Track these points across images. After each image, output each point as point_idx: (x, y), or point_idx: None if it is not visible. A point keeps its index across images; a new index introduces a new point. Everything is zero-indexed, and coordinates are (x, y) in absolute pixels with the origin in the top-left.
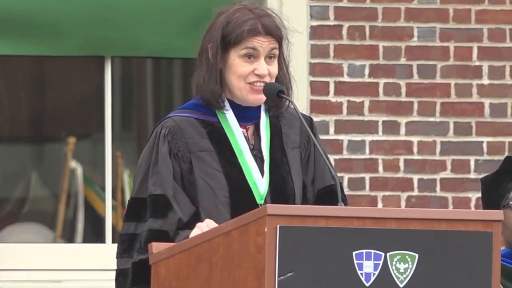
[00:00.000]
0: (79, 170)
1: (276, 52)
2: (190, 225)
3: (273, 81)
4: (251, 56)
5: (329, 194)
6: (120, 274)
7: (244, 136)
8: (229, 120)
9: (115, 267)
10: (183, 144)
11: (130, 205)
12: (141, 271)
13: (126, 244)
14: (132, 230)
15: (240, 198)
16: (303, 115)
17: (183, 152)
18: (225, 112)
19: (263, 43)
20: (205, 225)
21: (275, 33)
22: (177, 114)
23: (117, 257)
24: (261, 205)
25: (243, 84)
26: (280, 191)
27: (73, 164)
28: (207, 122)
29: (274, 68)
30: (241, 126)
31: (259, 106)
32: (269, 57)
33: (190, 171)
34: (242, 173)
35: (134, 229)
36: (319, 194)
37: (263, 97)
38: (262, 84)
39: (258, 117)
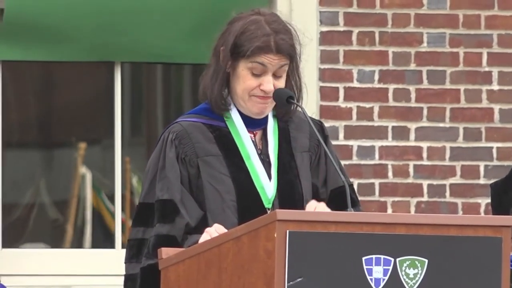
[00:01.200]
0: (88, 176)
1: (285, 68)
2: (198, 230)
3: None
4: (259, 71)
5: (342, 195)
6: (129, 279)
7: (252, 140)
8: (237, 124)
9: (124, 272)
10: (190, 149)
11: (138, 210)
12: (149, 276)
13: (135, 250)
14: (140, 235)
15: (248, 202)
16: (313, 119)
17: (191, 156)
18: (232, 116)
19: (272, 61)
20: (214, 230)
21: (287, 52)
22: (184, 119)
23: (125, 262)
24: (269, 209)
25: (247, 96)
26: (288, 195)
27: (83, 169)
28: (214, 126)
29: (280, 84)
30: (249, 131)
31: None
32: (276, 74)
33: (198, 176)
34: (250, 177)
35: (142, 234)
36: (332, 194)
37: (265, 111)
38: (266, 100)
39: (266, 122)
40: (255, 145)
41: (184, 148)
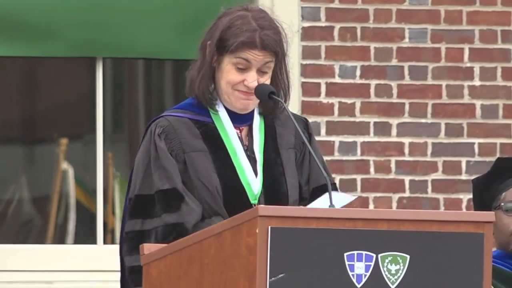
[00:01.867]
0: (71, 172)
1: (270, 65)
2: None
3: None
4: (243, 66)
5: (323, 193)
6: (133, 272)
7: (238, 136)
8: (223, 120)
9: (125, 265)
10: (177, 144)
11: (133, 203)
12: None
13: (134, 242)
14: (138, 227)
15: (234, 198)
16: (299, 117)
17: (177, 152)
18: (218, 112)
19: (257, 57)
20: None
21: (272, 48)
22: (171, 113)
23: (125, 255)
24: (254, 205)
25: (231, 90)
26: (273, 191)
27: (65, 165)
28: (201, 122)
29: (265, 81)
30: (235, 127)
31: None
32: (261, 70)
33: (184, 171)
34: (236, 173)
35: (141, 226)
36: (314, 192)
37: (248, 107)
38: (249, 96)
39: (252, 118)
40: (241, 141)
41: (171, 143)
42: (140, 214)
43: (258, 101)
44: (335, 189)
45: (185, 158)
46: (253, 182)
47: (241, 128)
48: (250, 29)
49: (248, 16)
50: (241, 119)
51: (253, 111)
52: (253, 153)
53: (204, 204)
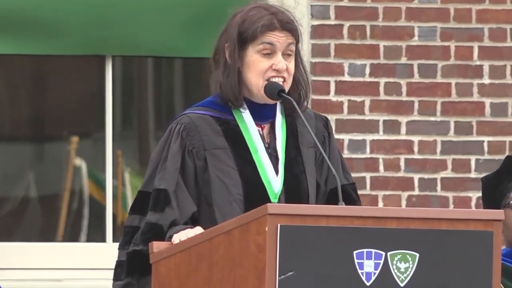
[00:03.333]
0: (84, 166)
1: (293, 48)
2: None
3: (291, 78)
4: (269, 51)
5: (342, 194)
6: (119, 265)
7: (260, 134)
8: (245, 118)
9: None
10: (198, 141)
11: (136, 199)
12: (135, 262)
13: (129, 237)
14: (136, 223)
15: (254, 196)
16: (319, 115)
17: (198, 149)
18: (241, 110)
19: (280, 38)
20: (185, 235)
21: (292, 27)
22: (192, 111)
23: (118, 249)
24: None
25: (262, 81)
26: (294, 190)
27: (77, 161)
28: (222, 119)
29: (291, 65)
30: (256, 125)
31: (275, 105)
32: (286, 53)
33: (205, 169)
34: (257, 171)
35: (138, 222)
36: (331, 193)
37: (285, 85)
38: (281, 79)
39: (274, 116)
40: (263, 139)
41: (192, 140)
42: (140, 210)
43: (287, 89)
44: (353, 189)
45: (205, 155)
46: (273, 181)
47: (263, 125)
48: (266, 14)
49: (259, 7)
50: (263, 117)
51: (275, 107)
52: (275, 151)
53: (220, 202)
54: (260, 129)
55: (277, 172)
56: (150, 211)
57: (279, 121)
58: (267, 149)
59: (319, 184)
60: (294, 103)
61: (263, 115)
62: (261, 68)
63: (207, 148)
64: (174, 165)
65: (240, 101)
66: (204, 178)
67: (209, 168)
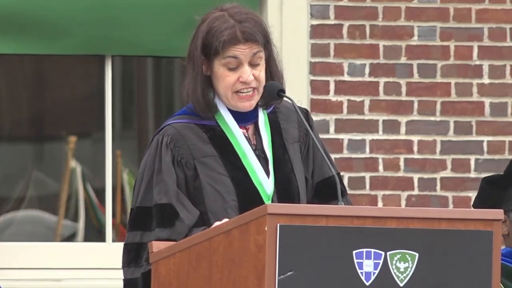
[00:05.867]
0: (83, 166)
1: (260, 55)
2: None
3: (262, 86)
4: (234, 65)
5: (327, 187)
6: (129, 284)
7: (245, 136)
8: (228, 122)
9: (122, 277)
10: (186, 151)
11: (134, 215)
12: (150, 281)
13: (133, 254)
14: (138, 240)
15: (248, 200)
16: (299, 107)
17: (187, 159)
18: (222, 114)
19: (244, 51)
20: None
21: (256, 38)
22: (176, 121)
23: (123, 267)
24: None
25: (230, 93)
26: (285, 190)
27: (73, 163)
28: (207, 126)
29: (261, 73)
30: (240, 127)
31: (256, 105)
32: (254, 63)
33: (195, 177)
34: (248, 175)
35: (140, 239)
36: (318, 186)
37: (252, 104)
38: (250, 90)
39: (256, 116)
40: (249, 141)
41: (180, 151)
42: (140, 226)
43: (260, 96)
44: (340, 180)
45: (195, 164)
46: (265, 183)
47: (247, 127)
48: (229, 26)
49: (224, 15)
50: (245, 118)
51: (256, 108)
52: (263, 152)
53: (215, 209)
54: (244, 131)
55: (268, 174)
56: (158, 228)
57: (262, 120)
58: (254, 151)
59: (306, 179)
60: (294, 103)
61: (245, 117)
62: (228, 82)
63: (196, 157)
64: (172, 178)
65: (209, 111)
66: (196, 187)
67: (200, 176)
